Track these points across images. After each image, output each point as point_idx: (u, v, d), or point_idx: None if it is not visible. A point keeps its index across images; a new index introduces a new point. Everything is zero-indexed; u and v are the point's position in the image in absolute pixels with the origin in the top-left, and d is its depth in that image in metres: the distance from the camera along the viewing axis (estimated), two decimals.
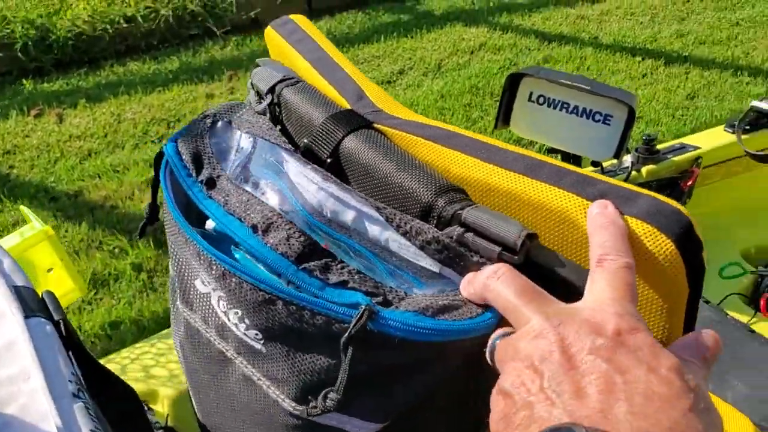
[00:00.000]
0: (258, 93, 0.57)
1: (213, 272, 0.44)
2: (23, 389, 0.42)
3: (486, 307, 0.40)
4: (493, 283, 0.38)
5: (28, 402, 0.42)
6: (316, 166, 0.47)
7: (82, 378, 0.46)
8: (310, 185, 0.46)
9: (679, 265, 0.36)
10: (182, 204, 0.49)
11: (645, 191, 0.38)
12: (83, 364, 0.49)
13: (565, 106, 1.10)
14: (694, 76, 2.89)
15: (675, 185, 1.28)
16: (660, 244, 0.36)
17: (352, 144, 0.48)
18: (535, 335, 0.34)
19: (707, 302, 1.12)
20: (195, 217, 0.49)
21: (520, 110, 1.15)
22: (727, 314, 1.15)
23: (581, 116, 1.09)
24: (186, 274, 0.48)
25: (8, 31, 2.87)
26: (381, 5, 3.59)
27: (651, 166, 1.26)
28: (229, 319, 0.45)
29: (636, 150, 1.28)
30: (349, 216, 0.45)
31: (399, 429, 0.44)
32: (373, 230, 0.44)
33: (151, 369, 0.93)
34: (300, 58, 0.59)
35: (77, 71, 2.92)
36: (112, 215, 2.05)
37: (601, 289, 0.35)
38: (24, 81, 2.82)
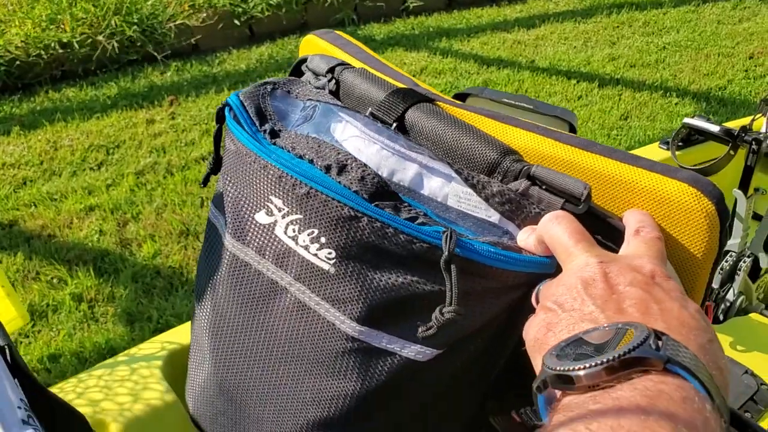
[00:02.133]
0: (315, 73, 0.59)
1: (296, 192, 0.45)
2: None
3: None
4: (552, 224, 0.42)
5: None
6: (381, 127, 0.50)
7: (29, 405, 0.45)
8: (370, 147, 0.49)
9: (716, 223, 0.43)
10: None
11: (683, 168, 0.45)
12: (30, 390, 0.48)
13: None
14: (627, 98, 2.99)
15: None
16: (703, 204, 0.43)
17: (415, 114, 0.52)
18: (581, 267, 0.38)
19: None
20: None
21: None
22: None
23: None
24: (246, 207, 0.50)
25: None
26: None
27: None
28: (298, 243, 0.46)
29: None
30: (408, 173, 0.48)
31: (449, 356, 0.46)
32: (432, 186, 0.48)
33: (100, 403, 0.90)
34: (350, 58, 0.62)
35: (10, 98, 2.83)
36: (50, 244, 1.98)
37: (638, 247, 0.40)
38: None
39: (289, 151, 0.48)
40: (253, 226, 0.49)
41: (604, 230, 0.45)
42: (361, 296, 0.44)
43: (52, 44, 2.94)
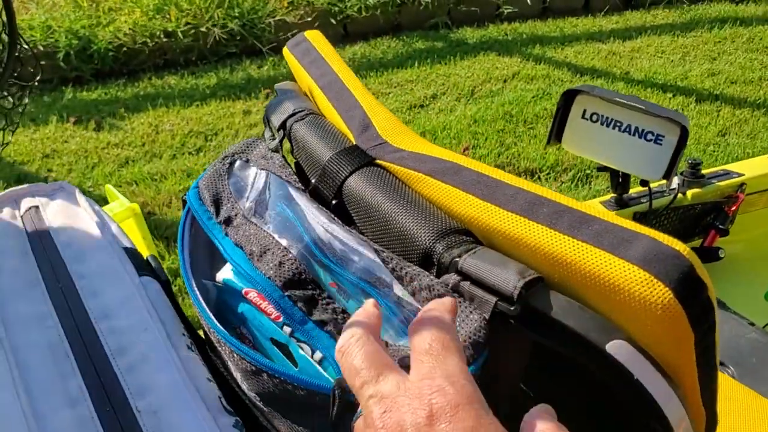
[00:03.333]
0: (271, 129, 0.60)
1: (214, 336, 0.47)
2: (142, 339, 0.44)
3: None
4: (349, 346, 0.35)
5: (147, 350, 0.43)
6: (321, 207, 0.49)
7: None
8: (316, 223, 0.48)
9: (678, 312, 0.34)
10: (207, 245, 0.52)
11: (646, 231, 0.37)
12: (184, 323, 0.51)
13: (618, 124, 1.12)
14: (726, 114, 2.90)
15: (719, 209, 1.29)
16: (656, 292, 0.34)
17: (355, 184, 0.49)
18: (360, 414, 0.34)
19: (752, 324, 1.12)
20: (219, 257, 0.51)
21: (573, 127, 1.16)
22: None
23: (633, 135, 1.11)
24: None
25: (52, 40, 2.93)
26: (415, 32, 3.64)
27: (696, 190, 1.27)
28: (238, 377, 0.47)
29: (681, 173, 1.29)
30: (352, 255, 0.45)
31: None
32: (375, 269, 0.44)
33: None
34: (312, 82, 0.60)
35: (116, 82, 2.97)
36: (149, 221, 2.07)
37: (421, 374, 0.33)
38: (64, 89, 2.88)
39: (232, 239, 0.50)
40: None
41: (554, 325, 0.37)
42: None
43: (158, 33, 3.07)
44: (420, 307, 0.41)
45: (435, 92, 3.03)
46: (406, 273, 0.43)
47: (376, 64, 3.26)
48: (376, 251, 0.44)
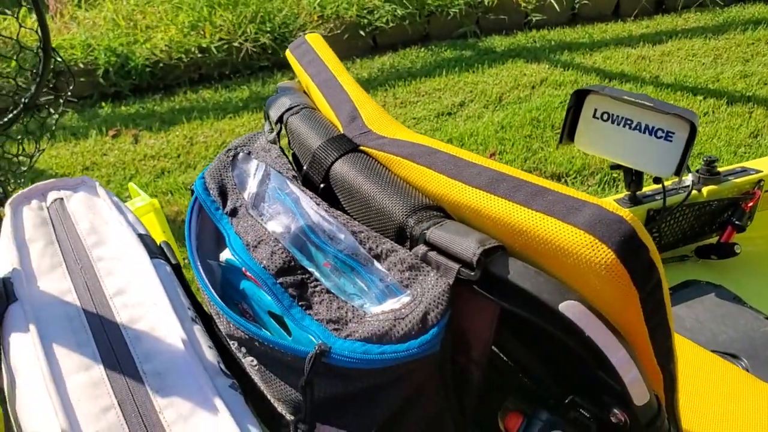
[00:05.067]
0: (270, 122, 0.64)
1: (214, 309, 0.51)
2: (150, 312, 0.49)
3: (425, 326, 0.42)
4: None
5: (154, 322, 0.48)
6: (311, 193, 0.53)
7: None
8: (309, 208, 0.52)
9: (620, 271, 0.37)
10: (214, 230, 0.57)
11: (594, 200, 0.40)
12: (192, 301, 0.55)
13: (629, 122, 1.14)
14: (758, 116, 2.87)
15: (737, 206, 1.30)
16: (600, 254, 0.37)
17: (340, 168, 0.53)
18: None
19: None
20: (224, 241, 0.56)
21: (585, 126, 1.19)
22: None
23: (644, 132, 1.13)
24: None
25: (92, 57, 3.05)
26: (443, 42, 3.69)
27: (712, 187, 1.28)
28: (240, 352, 0.51)
29: (697, 171, 1.30)
30: (339, 234, 0.49)
31: (388, 429, 0.47)
32: (358, 247, 0.48)
33: None
34: (309, 80, 0.65)
35: (153, 96, 3.07)
36: (183, 229, 2.14)
37: None
38: (103, 104, 2.99)
39: (236, 230, 0.54)
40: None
41: (514, 290, 0.41)
42: (284, 398, 0.48)
43: (192, 49, 3.17)
44: (396, 280, 0.45)
45: (463, 100, 3.06)
46: (382, 250, 0.47)
47: (404, 74, 3.31)
48: (354, 233, 0.48)
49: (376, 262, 0.46)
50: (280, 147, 0.60)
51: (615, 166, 1.21)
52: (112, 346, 0.45)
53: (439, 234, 0.44)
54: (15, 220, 0.56)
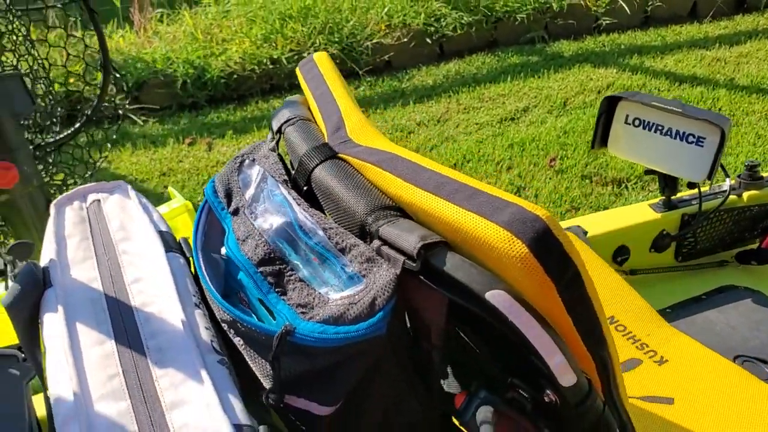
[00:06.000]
0: (272, 132, 0.72)
1: (207, 294, 0.59)
2: (159, 297, 0.56)
3: (372, 310, 0.49)
4: None
5: (161, 306, 0.55)
6: (295, 194, 0.61)
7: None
8: (293, 207, 0.60)
9: (533, 264, 0.42)
10: (221, 231, 0.66)
11: (519, 201, 0.45)
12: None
13: (660, 128, 1.16)
14: None
15: None
16: (515, 248, 0.42)
17: (319, 173, 0.61)
18: None
19: None
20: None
21: (618, 132, 1.21)
22: None
23: (675, 138, 1.14)
24: None
25: (171, 70, 3.24)
26: (510, 47, 3.70)
27: (753, 192, 1.27)
28: (225, 326, 0.58)
29: (739, 176, 1.29)
30: (318, 230, 0.57)
31: (353, 405, 0.54)
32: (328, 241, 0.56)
33: None
34: (310, 94, 0.73)
35: (227, 106, 3.23)
36: None
37: None
38: (181, 114, 3.17)
39: (233, 229, 0.63)
40: None
41: (450, 281, 0.45)
42: (264, 373, 0.54)
43: (264, 60, 3.31)
44: (356, 270, 0.51)
45: (527, 105, 3.08)
46: (346, 244, 0.53)
47: (469, 80, 3.34)
48: (324, 229, 0.55)
49: (341, 255, 0.53)
50: (279, 154, 0.67)
51: (649, 171, 1.22)
52: (125, 325, 0.53)
53: (389, 230, 0.51)
54: (58, 218, 0.65)
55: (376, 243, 0.52)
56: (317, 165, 0.61)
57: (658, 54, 3.53)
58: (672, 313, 1.14)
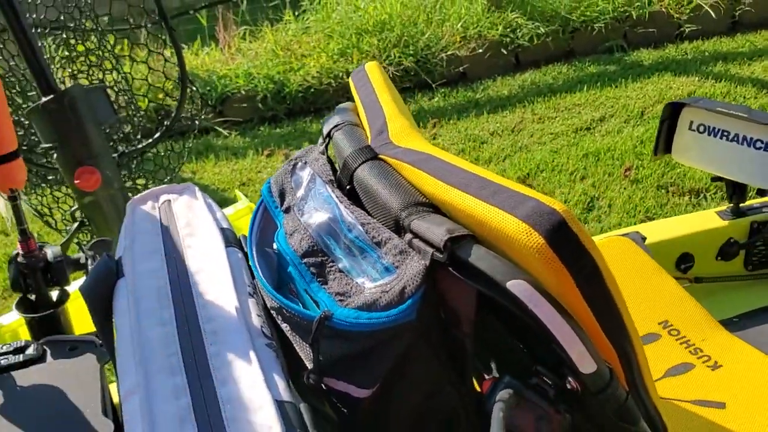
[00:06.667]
0: (322, 136, 0.77)
1: (258, 284, 0.65)
2: (217, 287, 0.62)
3: (402, 298, 0.52)
4: None
5: (218, 294, 0.61)
6: (339, 192, 0.65)
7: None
8: (337, 204, 0.64)
9: (550, 255, 0.44)
10: (274, 228, 0.71)
11: (538, 196, 0.47)
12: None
13: (726, 134, 1.14)
14: None
15: None
16: (533, 240, 0.44)
17: (361, 172, 0.65)
18: None
19: None
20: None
21: (682, 139, 1.20)
22: None
23: (742, 144, 1.13)
24: None
25: (252, 85, 3.37)
26: (588, 57, 3.66)
27: None
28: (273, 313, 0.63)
29: None
30: (358, 225, 0.61)
31: (389, 390, 0.57)
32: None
33: None
34: (359, 101, 0.77)
35: (304, 119, 3.34)
36: None
37: None
38: (261, 127, 3.29)
39: (283, 225, 0.68)
40: None
41: (475, 271, 0.48)
42: (306, 357, 0.58)
43: (341, 74, 3.40)
44: (390, 262, 0.55)
45: (603, 115, 3.04)
46: (382, 238, 0.58)
47: (545, 90, 3.33)
48: (362, 224, 0.60)
49: (377, 248, 0.56)
50: (328, 157, 0.72)
51: (716, 178, 1.20)
52: (185, 310, 0.58)
53: (419, 224, 0.54)
54: (132, 215, 0.72)
55: (408, 236, 0.56)
56: (359, 165, 0.65)
57: (745, 61, 3.42)
58: (739, 323, 1.11)
